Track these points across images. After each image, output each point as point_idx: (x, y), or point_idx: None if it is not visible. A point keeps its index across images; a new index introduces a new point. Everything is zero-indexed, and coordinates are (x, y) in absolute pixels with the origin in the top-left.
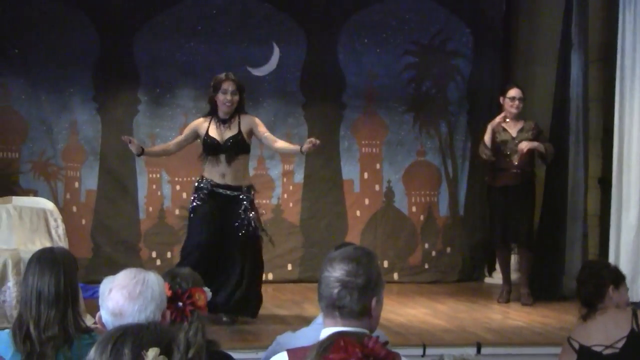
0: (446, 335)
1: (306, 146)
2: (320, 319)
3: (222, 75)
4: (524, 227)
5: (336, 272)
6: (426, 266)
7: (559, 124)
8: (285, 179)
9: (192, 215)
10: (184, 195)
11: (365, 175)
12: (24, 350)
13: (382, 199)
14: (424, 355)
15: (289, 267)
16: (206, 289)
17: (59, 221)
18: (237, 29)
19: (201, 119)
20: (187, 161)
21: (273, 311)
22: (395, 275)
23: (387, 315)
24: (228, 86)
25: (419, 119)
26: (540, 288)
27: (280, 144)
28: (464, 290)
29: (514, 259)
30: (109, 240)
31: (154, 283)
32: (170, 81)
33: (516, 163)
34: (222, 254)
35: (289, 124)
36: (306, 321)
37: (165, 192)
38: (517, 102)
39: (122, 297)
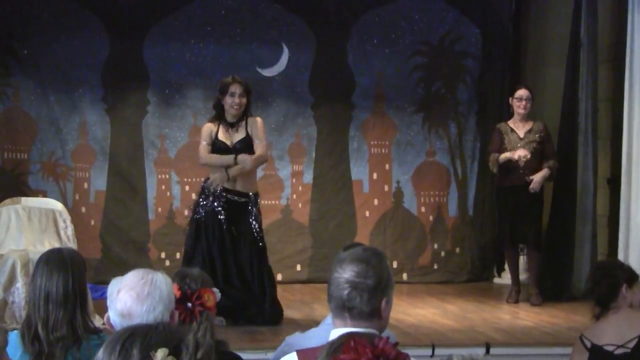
0: (455, 336)
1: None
2: (329, 319)
3: (229, 78)
4: (532, 228)
5: (346, 273)
6: (435, 266)
7: (568, 124)
8: (294, 180)
9: (195, 220)
10: (193, 195)
11: (375, 175)
12: (32, 351)
13: (391, 199)
14: (433, 355)
15: (298, 267)
16: (215, 289)
17: (68, 222)
18: (247, 29)
19: (209, 124)
20: (196, 162)
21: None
22: (405, 276)
23: (397, 315)
24: (236, 89)
25: (429, 119)
26: (550, 288)
27: (256, 154)
28: (473, 291)
29: (522, 259)
30: (118, 241)
31: (162, 284)
32: (180, 82)
33: (522, 165)
34: (240, 260)
35: (299, 124)
36: (315, 322)
37: (174, 193)
38: (524, 102)
39: (131, 298)
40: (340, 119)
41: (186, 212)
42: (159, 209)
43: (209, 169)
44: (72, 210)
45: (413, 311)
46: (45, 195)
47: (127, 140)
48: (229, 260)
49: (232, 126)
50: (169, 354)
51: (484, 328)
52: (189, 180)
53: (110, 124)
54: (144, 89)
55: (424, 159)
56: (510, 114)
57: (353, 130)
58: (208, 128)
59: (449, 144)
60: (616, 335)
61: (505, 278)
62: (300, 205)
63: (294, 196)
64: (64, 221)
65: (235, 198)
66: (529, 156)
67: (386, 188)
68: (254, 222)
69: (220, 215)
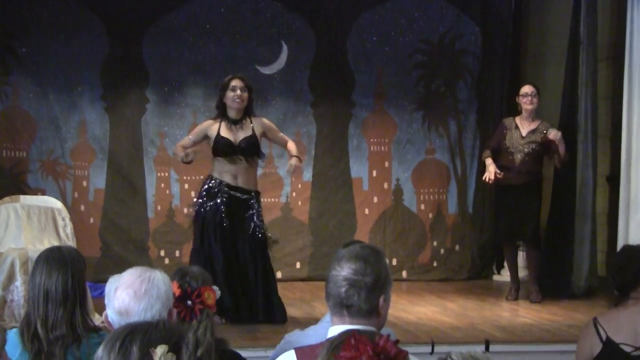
0: (455, 333)
1: (288, 168)
2: (329, 317)
3: (229, 76)
4: (530, 226)
5: (344, 271)
6: (435, 264)
7: (568, 122)
8: (294, 178)
9: (201, 218)
10: (193, 193)
11: (374, 173)
12: (31, 350)
13: (391, 197)
14: (432, 352)
15: (298, 265)
16: (215, 287)
17: (67, 220)
18: (246, 27)
19: (210, 121)
20: (196, 160)
21: None
22: (405, 273)
23: (397, 313)
24: (237, 83)
25: (428, 117)
26: (549, 286)
27: (290, 145)
28: (473, 288)
29: (521, 256)
30: (117, 239)
31: (160, 282)
32: (179, 80)
33: (518, 163)
34: (237, 262)
35: (298, 123)
36: (315, 319)
37: (174, 191)
38: (529, 98)
39: (128, 296)
40: (340, 117)
41: (185, 210)
42: (159, 207)
43: (213, 169)
44: (72, 208)
45: (413, 309)
46: (44, 194)
47: (126, 138)
48: (231, 258)
49: (235, 123)
50: (168, 351)
51: (483, 325)
52: (189, 178)
53: (110, 123)
54: (144, 88)
55: (424, 156)
56: (517, 112)
57: (353, 128)
58: (206, 125)
59: (448, 142)
60: (634, 334)
61: (505, 275)
62: (300, 203)
63: (294, 194)
64: (63, 219)
65: (238, 194)
66: (494, 178)
67: (386, 186)
68: (256, 220)
69: (222, 213)
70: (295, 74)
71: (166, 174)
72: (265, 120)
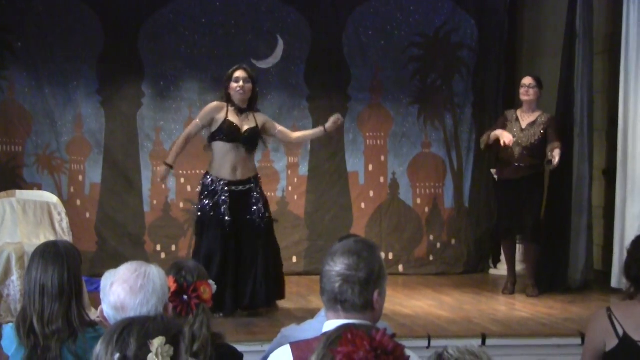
0: (451, 327)
1: (330, 125)
2: (324, 311)
3: (234, 67)
4: (530, 221)
5: (337, 266)
6: (431, 258)
7: (564, 115)
8: (290, 172)
9: (203, 219)
10: (189, 188)
11: (370, 167)
12: (27, 344)
13: (387, 191)
14: (429, 346)
15: (294, 259)
16: (211, 282)
17: (63, 215)
18: (242, 21)
19: (217, 103)
20: (191, 154)
21: (278, 303)
22: (401, 267)
23: (393, 307)
24: (240, 74)
25: (424, 111)
26: (546, 279)
27: (298, 133)
28: (469, 282)
29: (518, 250)
30: (113, 234)
31: (156, 276)
32: (175, 74)
33: (517, 157)
34: (243, 250)
35: (294, 117)
36: (311, 314)
37: (170, 185)
38: (525, 89)
39: (124, 291)
40: (335, 111)
41: (182, 205)
42: (155, 202)
43: (210, 164)
44: (67, 203)
45: (409, 303)
46: (40, 188)
47: (122, 132)
48: (236, 251)
49: (241, 112)
50: (166, 343)
51: (480, 319)
52: (185, 172)
53: (105, 117)
54: (139, 82)
55: (420, 150)
56: (514, 105)
57: (349, 122)
58: (213, 107)
59: (444, 136)
60: None
61: (501, 269)
62: (296, 197)
63: (290, 188)
64: (59, 214)
65: (240, 188)
66: (511, 142)
67: (382, 180)
68: (259, 205)
69: (224, 208)
70: (291, 68)
71: (162, 168)
72: (264, 115)
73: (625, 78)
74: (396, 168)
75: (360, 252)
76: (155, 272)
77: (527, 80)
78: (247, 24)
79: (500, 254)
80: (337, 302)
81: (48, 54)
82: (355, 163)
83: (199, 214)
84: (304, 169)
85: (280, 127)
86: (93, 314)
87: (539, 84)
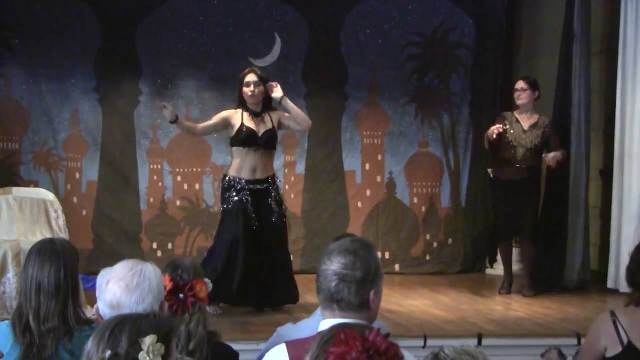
0: (448, 327)
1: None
2: (321, 310)
3: (246, 70)
4: (528, 222)
5: (334, 266)
6: (428, 257)
7: (561, 115)
8: (287, 170)
9: (229, 210)
10: (186, 186)
11: (367, 166)
12: (23, 342)
13: (384, 190)
14: (425, 346)
15: (291, 258)
16: (207, 280)
17: (60, 212)
18: (240, 19)
19: (232, 111)
20: (188, 153)
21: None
22: (397, 267)
23: (389, 306)
24: (250, 79)
25: (422, 110)
26: (542, 280)
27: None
28: (466, 282)
29: (516, 251)
30: (110, 232)
31: (152, 275)
32: (172, 72)
33: (520, 158)
34: (260, 249)
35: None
36: (308, 312)
37: (167, 183)
38: (519, 93)
39: (120, 289)
40: (333, 110)
41: (178, 203)
42: (151, 200)
43: (229, 167)
44: (64, 200)
45: (405, 302)
46: (37, 186)
47: (119, 130)
48: (253, 249)
49: (256, 116)
50: (157, 342)
51: (476, 319)
52: (182, 170)
53: (103, 115)
54: (137, 80)
55: (417, 150)
56: (511, 106)
57: (346, 121)
58: (228, 114)
59: (442, 135)
60: None
61: (498, 269)
62: (293, 196)
63: (287, 187)
64: (56, 211)
65: (258, 187)
66: (500, 129)
67: (379, 179)
68: (274, 206)
69: (248, 206)
70: (288, 66)
71: (159, 167)
72: (277, 111)
73: (623, 78)
74: (393, 167)
75: (357, 251)
76: (151, 270)
77: (520, 84)
78: (245, 23)
79: (496, 254)
80: (333, 301)
81: (45, 52)
82: (352, 162)
83: (225, 206)
84: (301, 168)
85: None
86: (89, 312)
87: (532, 86)
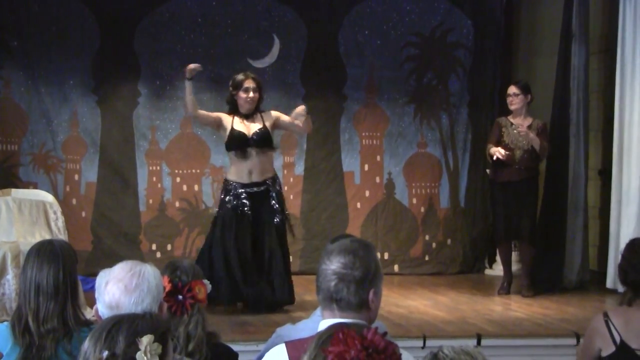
0: (447, 327)
1: (295, 115)
2: (320, 310)
3: (242, 75)
4: (527, 224)
5: (333, 265)
6: (427, 258)
7: (560, 115)
8: (285, 171)
9: (223, 214)
10: (185, 187)
11: (366, 167)
12: (22, 343)
13: (382, 191)
14: (424, 346)
15: (290, 259)
16: (206, 281)
17: (59, 214)
18: (238, 20)
19: (225, 114)
20: (187, 154)
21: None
22: (396, 267)
23: (388, 307)
24: (250, 84)
25: (420, 110)
26: (541, 280)
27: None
28: (465, 282)
29: (514, 251)
30: (109, 233)
31: (151, 275)
32: (171, 73)
33: (517, 160)
34: (260, 250)
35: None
36: (307, 313)
37: (165, 185)
38: (511, 98)
39: (119, 290)
40: (331, 111)
41: (177, 204)
42: (150, 201)
43: (228, 171)
44: (63, 202)
45: (404, 302)
46: (35, 187)
47: (118, 132)
48: (251, 251)
49: (247, 118)
50: (154, 341)
51: (475, 319)
52: (180, 172)
53: (101, 116)
54: (135, 81)
55: (416, 150)
56: (501, 107)
57: (344, 121)
58: (221, 115)
59: (440, 136)
60: None
61: (497, 269)
62: (291, 197)
63: (286, 188)
64: (55, 213)
65: (255, 189)
66: (502, 156)
67: (378, 179)
68: (275, 205)
69: (245, 209)
70: (287, 67)
71: (158, 168)
72: (272, 112)
73: (621, 78)
74: (392, 168)
75: (356, 251)
76: (150, 271)
77: (512, 89)
78: (243, 23)
79: (495, 254)
80: (332, 301)
81: (44, 53)
82: (351, 163)
83: (218, 210)
84: (299, 169)
85: (288, 117)
86: (88, 313)
87: (524, 90)
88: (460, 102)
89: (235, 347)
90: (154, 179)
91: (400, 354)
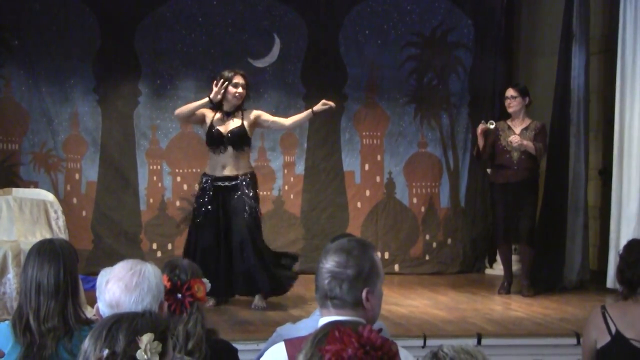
0: (447, 326)
1: (319, 107)
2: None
3: (230, 72)
4: (526, 225)
5: (328, 264)
6: (427, 257)
7: (560, 115)
8: (286, 171)
9: (196, 216)
10: (185, 186)
11: (367, 166)
12: (23, 342)
13: (383, 190)
14: (424, 346)
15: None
16: (205, 280)
17: (60, 213)
18: (238, 20)
19: (209, 109)
20: (187, 153)
21: (274, 302)
22: (396, 267)
23: (389, 306)
24: (239, 80)
25: (421, 110)
26: (541, 279)
27: (293, 118)
28: (465, 282)
29: (514, 251)
30: (109, 232)
31: (151, 274)
32: (171, 73)
33: (515, 161)
34: (231, 241)
35: (290, 116)
36: (307, 312)
37: (166, 184)
38: (509, 101)
39: (119, 289)
40: (332, 110)
41: (178, 203)
42: (151, 200)
43: (208, 163)
44: (64, 201)
45: (405, 302)
46: (36, 186)
47: (118, 131)
48: (223, 244)
49: (227, 115)
50: (154, 340)
51: (475, 319)
52: (181, 171)
53: (102, 115)
54: (136, 80)
55: (416, 150)
56: (502, 107)
57: (345, 121)
58: (205, 111)
59: (441, 135)
60: None
61: (497, 269)
62: (292, 196)
63: (286, 187)
64: (55, 212)
65: (226, 183)
66: (515, 142)
67: (378, 179)
68: (245, 198)
69: (209, 201)
70: (287, 66)
71: (158, 167)
72: (255, 111)
73: (622, 78)
74: (392, 167)
75: (351, 250)
76: (150, 270)
77: (509, 92)
78: (244, 23)
79: (495, 254)
80: (327, 299)
81: (45, 52)
82: (351, 162)
83: (195, 212)
84: (300, 168)
85: (274, 118)
86: (89, 312)
87: (522, 93)
88: (461, 101)
89: (235, 347)
90: (155, 178)
91: (397, 351)
